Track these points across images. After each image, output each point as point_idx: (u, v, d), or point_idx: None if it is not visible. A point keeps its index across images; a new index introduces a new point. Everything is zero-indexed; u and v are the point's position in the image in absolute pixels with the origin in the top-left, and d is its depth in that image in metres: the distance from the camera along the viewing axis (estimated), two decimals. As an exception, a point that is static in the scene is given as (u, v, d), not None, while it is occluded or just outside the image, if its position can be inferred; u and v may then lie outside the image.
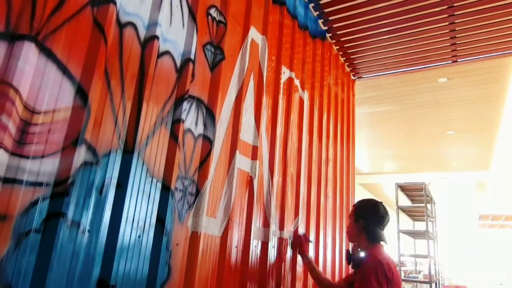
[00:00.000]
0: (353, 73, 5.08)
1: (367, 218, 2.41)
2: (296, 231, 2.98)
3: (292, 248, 2.91)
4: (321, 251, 3.44)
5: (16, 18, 1.19)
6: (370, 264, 2.20)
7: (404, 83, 6.34)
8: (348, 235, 2.58)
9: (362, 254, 2.37)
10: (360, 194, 6.77)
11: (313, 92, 3.61)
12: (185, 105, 1.86)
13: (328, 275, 3.61)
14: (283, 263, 2.70)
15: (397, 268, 2.43)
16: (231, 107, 2.28)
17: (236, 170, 2.26)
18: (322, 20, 4.00)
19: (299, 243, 2.92)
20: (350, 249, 2.53)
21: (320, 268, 3.39)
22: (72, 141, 1.31)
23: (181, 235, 1.79)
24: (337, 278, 3.84)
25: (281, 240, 2.72)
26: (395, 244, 6.45)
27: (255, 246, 2.39)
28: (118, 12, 1.54)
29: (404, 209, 7.24)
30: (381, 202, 2.52)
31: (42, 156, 1.22)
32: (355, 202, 2.61)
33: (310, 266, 2.88)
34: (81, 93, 1.36)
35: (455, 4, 3.60)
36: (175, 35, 1.87)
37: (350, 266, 2.50)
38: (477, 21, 3.81)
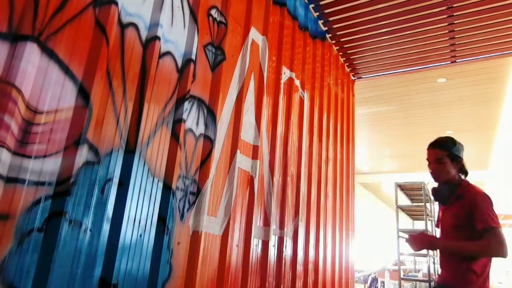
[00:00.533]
0: (353, 74, 5.07)
1: (458, 153, 2.36)
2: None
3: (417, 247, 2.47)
4: (321, 250, 3.44)
5: (18, 19, 1.19)
6: (477, 195, 2.17)
7: (403, 83, 6.34)
8: (440, 176, 2.40)
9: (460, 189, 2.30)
10: (360, 194, 6.77)
11: (313, 92, 3.60)
12: (186, 105, 1.86)
13: (328, 276, 3.61)
14: (284, 262, 2.70)
15: None
16: (232, 107, 2.27)
17: (237, 170, 2.26)
18: (322, 21, 3.99)
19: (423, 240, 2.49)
20: (436, 187, 2.43)
21: (320, 267, 3.39)
22: (74, 141, 1.30)
23: (182, 234, 1.79)
24: (337, 277, 3.83)
25: (281, 239, 2.72)
26: (395, 243, 6.45)
27: (255, 245, 2.38)
28: (119, 13, 1.54)
29: (403, 208, 7.23)
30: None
31: (44, 156, 1.22)
32: (438, 143, 2.42)
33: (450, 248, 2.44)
34: (83, 93, 1.36)
35: (454, 5, 3.59)
36: (177, 35, 1.87)
37: (440, 203, 2.46)
38: (476, 22, 3.80)
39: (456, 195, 2.28)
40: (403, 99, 7.03)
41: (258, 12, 2.69)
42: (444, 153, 2.37)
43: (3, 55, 1.14)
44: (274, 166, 2.69)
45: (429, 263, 6.44)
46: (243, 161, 2.34)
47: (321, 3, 3.67)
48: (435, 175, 2.43)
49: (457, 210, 2.24)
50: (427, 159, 2.43)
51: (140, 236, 1.55)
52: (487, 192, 2.21)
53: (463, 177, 2.38)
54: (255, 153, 2.47)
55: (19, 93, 1.14)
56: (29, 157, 1.17)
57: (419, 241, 2.39)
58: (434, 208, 8.07)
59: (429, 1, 3.56)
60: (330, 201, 3.82)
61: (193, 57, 1.93)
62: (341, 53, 4.59)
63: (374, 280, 10.08)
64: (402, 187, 7.02)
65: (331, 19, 3.94)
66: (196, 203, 1.90)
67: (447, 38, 4.12)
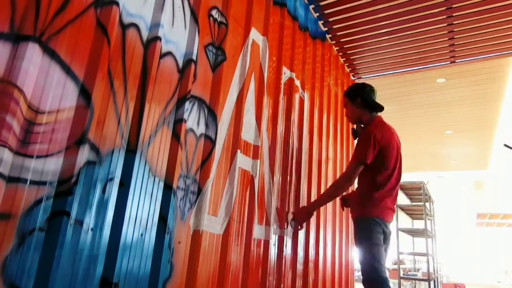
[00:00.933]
0: (353, 74, 5.07)
1: (362, 95, 2.65)
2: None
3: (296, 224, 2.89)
4: (321, 249, 3.44)
5: (20, 19, 1.19)
6: (364, 132, 2.51)
7: (403, 84, 6.33)
8: (351, 118, 2.77)
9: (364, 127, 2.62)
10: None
11: (314, 92, 3.60)
12: (187, 105, 1.85)
13: (328, 275, 3.61)
14: (284, 261, 2.70)
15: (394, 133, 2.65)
16: (232, 107, 2.27)
17: (238, 169, 2.26)
18: (322, 22, 3.99)
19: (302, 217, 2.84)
20: (355, 127, 2.77)
21: (320, 266, 3.38)
22: (76, 141, 1.30)
23: (183, 234, 1.79)
24: (337, 276, 3.83)
25: (281, 238, 2.72)
26: (394, 242, 6.45)
27: (256, 244, 2.38)
28: (121, 13, 1.54)
29: (403, 208, 7.22)
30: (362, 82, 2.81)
31: (46, 156, 1.22)
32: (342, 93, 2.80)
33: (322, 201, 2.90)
34: (85, 93, 1.36)
35: (453, 6, 3.59)
36: (177, 36, 1.87)
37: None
38: (475, 22, 3.80)
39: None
40: (403, 99, 7.02)
41: (259, 12, 2.68)
42: (346, 99, 2.75)
43: (5, 55, 1.14)
44: (274, 166, 2.69)
45: (429, 262, 6.43)
46: (243, 161, 2.34)
47: (321, 3, 3.67)
48: (347, 118, 2.85)
49: None
50: None
51: (141, 235, 1.55)
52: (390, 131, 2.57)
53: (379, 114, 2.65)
54: (255, 152, 2.47)
55: (21, 93, 1.14)
56: (31, 156, 1.17)
57: (297, 215, 2.80)
58: (434, 207, 8.07)
59: (428, 1, 3.56)
60: (330, 201, 3.81)
61: (194, 57, 1.93)
62: (341, 54, 4.59)
63: (374, 279, 10.04)
64: (402, 187, 7.00)
65: (331, 19, 3.93)
66: (197, 203, 1.90)
67: (446, 39, 4.12)
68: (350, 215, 2.69)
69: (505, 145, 6.54)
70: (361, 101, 2.63)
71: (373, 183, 2.46)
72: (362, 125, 2.66)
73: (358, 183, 2.59)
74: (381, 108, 2.64)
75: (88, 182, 1.34)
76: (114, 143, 1.47)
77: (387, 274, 2.41)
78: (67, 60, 1.32)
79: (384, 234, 2.44)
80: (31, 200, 1.16)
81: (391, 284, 2.36)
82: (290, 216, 2.87)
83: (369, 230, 2.37)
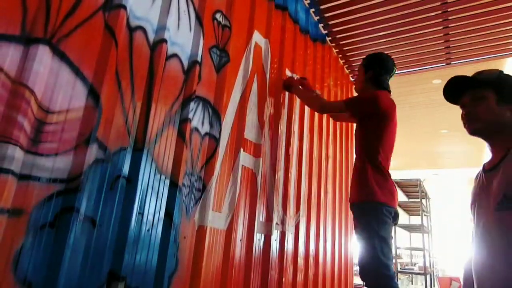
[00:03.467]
0: (352, 75, 5.05)
1: (376, 68, 2.51)
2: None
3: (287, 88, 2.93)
4: (321, 245, 3.43)
5: (31, 22, 1.18)
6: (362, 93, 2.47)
7: (400, 84, 6.31)
8: (356, 85, 2.69)
9: None
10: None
11: (314, 93, 3.59)
12: (192, 105, 1.85)
13: (328, 269, 3.60)
14: (285, 255, 2.69)
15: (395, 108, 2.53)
16: (235, 107, 2.27)
17: (241, 167, 2.25)
18: (322, 25, 3.98)
19: (291, 83, 2.91)
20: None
21: (321, 261, 3.38)
22: (85, 139, 1.30)
23: (188, 229, 1.78)
24: (337, 270, 3.83)
25: (283, 234, 2.71)
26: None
27: (258, 240, 2.38)
28: (128, 17, 1.53)
29: (400, 204, 7.21)
30: (389, 56, 2.60)
31: (56, 154, 1.22)
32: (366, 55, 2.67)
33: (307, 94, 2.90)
34: (93, 94, 1.36)
35: (449, 9, 3.57)
36: (183, 38, 1.86)
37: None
38: (470, 25, 3.78)
39: None
40: (400, 99, 6.99)
41: (261, 16, 2.67)
42: (361, 65, 2.65)
43: (16, 57, 1.14)
44: (276, 164, 2.69)
45: (425, 256, 6.43)
46: (246, 159, 2.33)
47: (321, 7, 3.66)
48: (354, 82, 2.92)
49: None
50: None
51: (148, 230, 1.55)
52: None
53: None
54: (258, 151, 2.46)
55: (32, 94, 1.13)
56: (41, 155, 1.17)
57: (288, 81, 2.87)
58: (430, 204, 8.05)
59: (424, 5, 3.54)
60: (330, 197, 3.81)
61: (199, 59, 1.93)
62: (340, 56, 4.58)
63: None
64: (399, 184, 7.00)
65: (331, 22, 3.92)
66: (201, 199, 1.89)
67: (442, 41, 4.10)
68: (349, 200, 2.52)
69: None
70: (372, 75, 2.52)
71: (376, 159, 2.31)
72: None
73: (359, 157, 2.46)
74: (388, 90, 2.55)
75: (97, 179, 1.34)
76: (121, 141, 1.47)
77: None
78: (76, 62, 1.32)
79: (393, 218, 2.26)
80: (41, 196, 1.16)
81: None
82: None
83: (376, 217, 2.17)
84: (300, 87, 2.91)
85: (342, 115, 2.98)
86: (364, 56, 2.73)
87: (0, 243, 1.03)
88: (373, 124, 2.38)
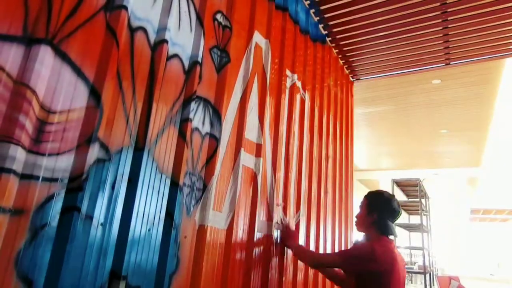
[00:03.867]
0: (352, 75, 5.05)
1: (380, 212, 2.32)
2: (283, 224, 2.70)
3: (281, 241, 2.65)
4: (321, 245, 3.43)
5: (33, 23, 1.18)
6: (358, 246, 2.22)
7: (400, 85, 6.32)
8: (359, 225, 2.45)
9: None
10: (358, 190, 6.76)
11: (314, 93, 3.59)
12: (193, 105, 1.85)
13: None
14: (286, 255, 2.69)
15: (404, 265, 2.29)
16: (236, 107, 2.26)
17: (241, 167, 2.25)
18: (322, 25, 3.97)
19: (287, 234, 2.65)
20: (359, 239, 2.50)
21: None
22: (86, 139, 1.30)
23: (189, 228, 1.78)
24: (336, 270, 3.82)
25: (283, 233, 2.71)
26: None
27: (258, 239, 2.38)
28: (129, 17, 1.53)
29: (399, 204, 7.21)
30: (393, 196, 2.42)
31: (58, 154, 1.22)
32: (367, 193, 2.47)
33: (306, 253, 2.62)
34: (95, 94, 1.36)
35: (448, 10, 3.57)
36: (184, 39, 1.86)
37: None
38: (469, 26, 3.78)
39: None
40: (400, 99, 7.01)
41: (261, 16, 2.67)
42: (364, 200, 2.46)
43: (18, 57, 1.14)
44: (276, 163, 2.68)
45: (424, 256, 6.42)
46: (247, 159, 2.33)
47: (322, 8, 3.65)
48: (356, 218, 2.50)
49: None
50: None
51: (149, 230, 1.54)
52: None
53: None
54: (258, 151, 2.46)
55: (34, 94, 1.13)
56: (43, 154, 1.17)
57: (283, 234, 2.63)
58: (429, 203, 8.05)
59: (424, 6, 3.54)
60: (330, 197, 3.81)
61: (199, 59, 1.93)
62: (340, 56, 4.57)
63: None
64: (399, 184, 7.00)
65: (331, 23, 3.92)
66: (202, 199, 1.89)
67: (441, 42, 4.10)
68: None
69: None
70: (376, 219, 2.31)
71: None
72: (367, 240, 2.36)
73: None
74: (394, 235, 2.32)
75: (98, 179, 1.34)
76: (122, 141, 1.47)
77: None
78: (77, 62, 1.32)
79: None
80: (43, 196, 1.16)
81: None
82: (277, 221, 2.64)
83: None
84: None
85: (338, 275, 2.64)
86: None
87: (2, 242, 1.03)
88: (376, 283, 2.12)
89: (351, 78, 5.08)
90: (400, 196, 7.64)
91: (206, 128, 1.99)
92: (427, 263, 6.42)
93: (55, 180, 1.20)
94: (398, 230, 6.46)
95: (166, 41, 1.70)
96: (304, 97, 3.35)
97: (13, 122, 1.08)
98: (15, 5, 1.14)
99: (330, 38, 4.21)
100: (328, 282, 3.53)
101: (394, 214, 2.35)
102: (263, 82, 2.61)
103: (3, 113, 1.08)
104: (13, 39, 1.13)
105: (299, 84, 3.25)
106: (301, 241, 3.00)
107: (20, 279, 1.07)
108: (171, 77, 1.75)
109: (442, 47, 4.22)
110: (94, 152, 1.32)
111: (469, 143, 9.44)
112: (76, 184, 1.25)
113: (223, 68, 2.14)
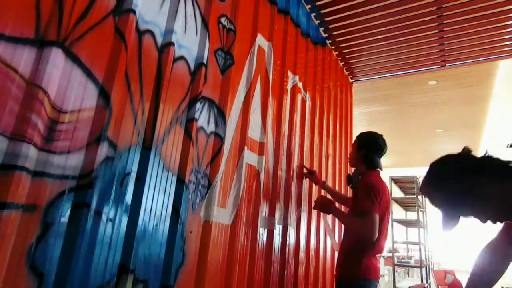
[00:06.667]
0: (351, 76, 5.03)
1: (367, 148, 2.48)
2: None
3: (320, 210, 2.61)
4: (322, 239, 3.42)
5: (45, 26, 1.18)
6: (363, 186, 2.31)
7: (397, 86, 6.30)
8: (350, 161, 2.65)
9: (360, 177, 2.46)
10: (357, 187, 6.71)
11: (315, 94, 3.58)
12: (198, 105, 1.85)
13: (328, 263, 3.60)
14: (287, 249, 2.68)
15: (389, 194, 2.50)
16: (240, 107, 2.26)
17: (245, 165, 2.24)
18: (322, 28, 3.96)
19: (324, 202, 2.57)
20: (351, 173, 2.59)
21: (321, 256, 3.37)
22: (95, 138, 1.30)
23: (194, 224, 1.78)
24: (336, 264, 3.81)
25: (285, 229, 2.71)
26: (389, 232, 6.42)
27: (261, 234, 2.37)
28: (137, 21, 1.53)
29: (397, 200, 7.18)
30: (381, 135, 2.56)
31: (68, 152, 1.22)
32: (359, 133, 2.63)
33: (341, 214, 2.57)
34: (104, 95, 1.35)
35: (443, 14, 3.55)
36: (189, 41, 1.86)
37: (350, 187, 2.61)
38: (464, 29, 3.76)
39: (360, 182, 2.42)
40: (397, 100, 6.99)
41: (264, 20, 2.66)
42: (354, 141, 2.60)
43: (31, 59, 1.14)
44: (278, 162, 2.68)
45: (421, 250, 6.40)
46: (250, 157, 2.33)
47: (322, 12, 3.64)
48: (348, 157, 2.71)
49: (354, 195, 2.48)
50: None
51: (156, 225, 1.54)
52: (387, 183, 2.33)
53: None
54: (261, 149, 2.46)
55: (45, 94, 1.13)
56: (54, 153, 1.17)
57: (318, 203, 2.60)
58: (425, 200, 8.01)
59: (420, 10, 3.52)
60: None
61: (205, 61, 1.92)
62: (340, 58, 4.56)
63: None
64: (396, 181, 6.97)
65: (331, 26, 3.90)
66: (207, 195, 1.89)
67: (437, 44, 4.08)
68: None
69: (510, 145, 6.52)
70: (363, 153, 2.46)
71: (363, 243, 2.22)
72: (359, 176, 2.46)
73: (346, 239, 2.42)
74: (380, 169, 2.45)
75: (107, 176, 1.34)
76: (131, 140, 1.47)
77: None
78: (87, 64, 1.31)
79: None
80: (54, 193, 1.16)
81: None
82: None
83: None
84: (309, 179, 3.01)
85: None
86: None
87: (15, 237, 1.03)
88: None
89: (350, 79, 5.07)
90: (397, 192, 7.62)
91: (211, 128, 1.98)
92: (423, 258, 6.40)
93: (66, 177, 1.20)
94: (395, 225, 6.45)
95: (173, 44, 1.70)
96: (305, 98, 3.34)
97: (26, 121, 1.08)
98: (27, 9, 1.14)
99: (330, 41, 4.20)
100: (328, 274, 3.53)
101: (379, 150, 2.49)
102: (266, 83, 2.60)
103: (16, 113, 1.08)
104: (26, 41, 1.13)
105: (300, 85, 3.24)
106: (302, 236, 3.00)
107: (32, 272, 1.07)
108: (177, 79, 1.75)
109: (438, 50, 4.20)
110: (103, 150, 1.31)
111: (464, 142, 9.37)
112: (86, 181, 1.25)
113: (227, 70, 2.14)
